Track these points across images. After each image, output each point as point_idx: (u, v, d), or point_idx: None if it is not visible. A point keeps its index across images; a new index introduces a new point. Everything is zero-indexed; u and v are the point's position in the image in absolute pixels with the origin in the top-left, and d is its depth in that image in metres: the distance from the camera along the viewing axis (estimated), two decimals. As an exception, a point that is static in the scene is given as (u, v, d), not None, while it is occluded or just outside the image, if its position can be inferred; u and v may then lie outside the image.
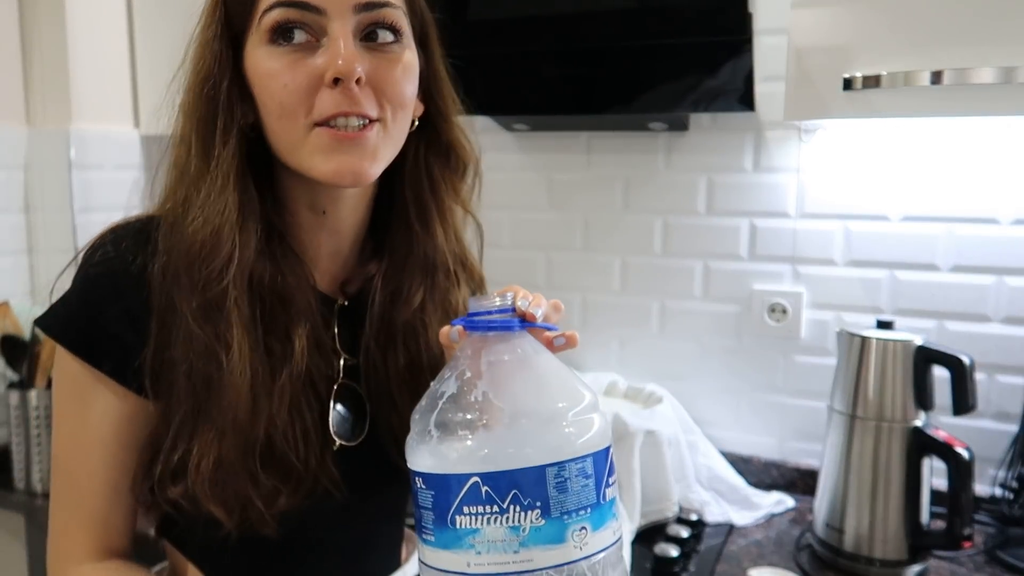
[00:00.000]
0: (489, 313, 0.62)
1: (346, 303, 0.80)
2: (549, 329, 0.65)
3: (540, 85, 1.41)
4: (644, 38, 1.23)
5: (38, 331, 1.45)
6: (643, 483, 1.33)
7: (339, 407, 0.77)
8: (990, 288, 1.34)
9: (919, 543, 1.18)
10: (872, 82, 1.06)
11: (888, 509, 1.18)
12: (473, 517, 0.55)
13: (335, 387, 0.77)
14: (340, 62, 0.65)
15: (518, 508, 0.55)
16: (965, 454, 1.12)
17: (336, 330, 0.79)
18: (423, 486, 0.58)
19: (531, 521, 0.55)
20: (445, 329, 0.66)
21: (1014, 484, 1.30)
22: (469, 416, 0.57)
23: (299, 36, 0.66)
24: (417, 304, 0.79)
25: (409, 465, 0.60)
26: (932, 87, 1.03)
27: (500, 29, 1.29)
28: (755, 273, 1.50)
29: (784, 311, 1.48)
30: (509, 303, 0.62)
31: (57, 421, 0.74)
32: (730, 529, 1.35)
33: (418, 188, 0.79)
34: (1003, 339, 1.34)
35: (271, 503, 0.69)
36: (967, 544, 1.13)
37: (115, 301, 0.69)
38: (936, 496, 1.21)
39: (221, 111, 0.69)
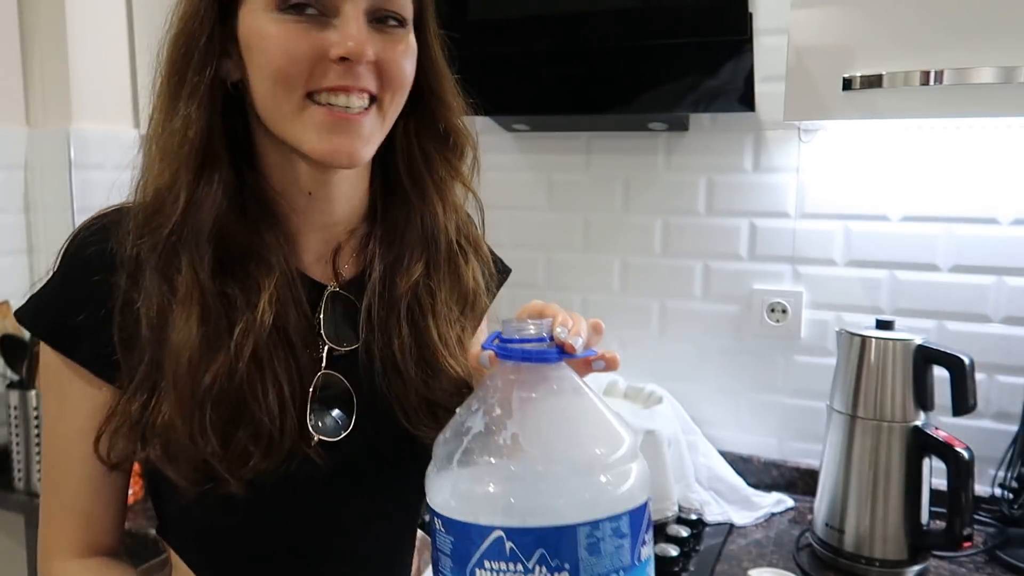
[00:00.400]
0: (524, 341, 0.56)
1: (338, 289, 0.77)
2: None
3: (540, 85, 1.41)
4: (644, 38, 1.23)
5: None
6: (643, 483, 1.33)
7: (328, 409, 0.74)
8: (990, 288, 1.34)
9: (919, 543, 1.18)
10: (872, 82, 1.06)
11: (888, 509, 1.18)
12: (494, 573, 0.51)
13: (318, 375, 0.74)
14: (351, 44, 0.65)
15: (544, 569, 0.50)
16: (965, 454, 1.12)
17: (322, 315, 0.75)
18: (442, 529, 0.54)
19: None
20: (475, 351, 0.62)
21: (1014, 484, 1.30)
22: (496, 460, 0.53)
23: (310, 11, 0.66)
24: (419, 274, 0.77)
25: (428, 500, 0.56)
26: (932, 87, 1.03)
27: (500, 29, 1.29)
28: (755, 273, 1.50)
29: (784, 311, 1.47)
30: (545, 331, 0.57)
31: (43, 412, 0.74)
32: (730, 529, 1.35)
33: (411, 160, 0.78)
34: (1003, 339, 1.34)
35: (241, 464, 0.67)
36: (967, 544, 1.13)
37: (88, 289, 0.69)
38: (936, 496, 1.21)
39: (193, 65, 0.68)
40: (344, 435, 0.74)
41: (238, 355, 0.67)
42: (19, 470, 1.47)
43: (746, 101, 1.33)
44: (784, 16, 1.15)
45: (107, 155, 1.61)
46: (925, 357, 1.18)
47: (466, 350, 0.77)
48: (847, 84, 1.08)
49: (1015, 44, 0.99)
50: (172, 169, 0.68)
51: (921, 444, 1.17)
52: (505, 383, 0.57)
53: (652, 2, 1.19)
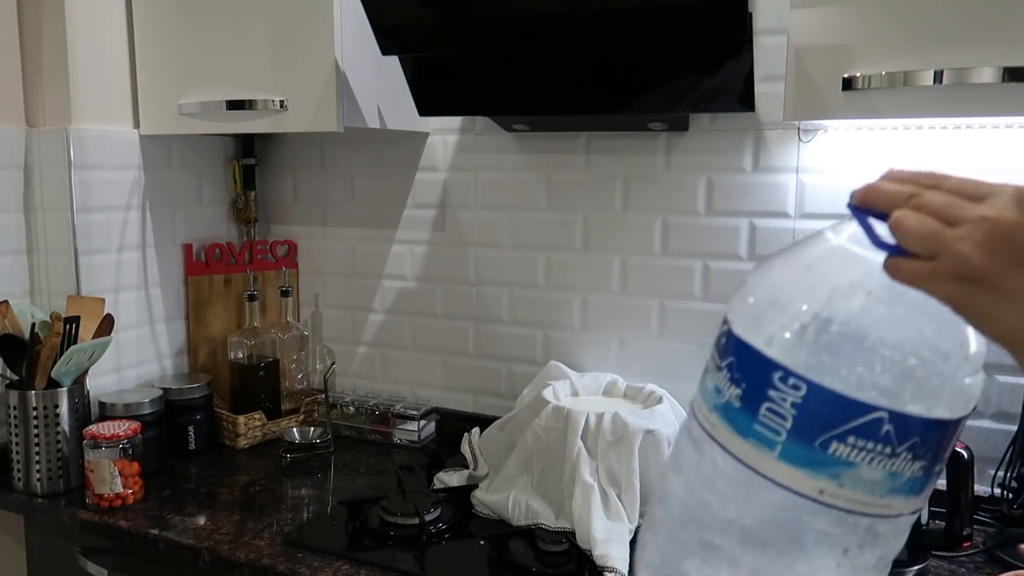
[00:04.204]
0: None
1: None
2: None
3: (540, 85, 1.41)
4: (644, 38, 1.23)
5: (37, 331, 1.45)
6: (643, 483, 1.33)
7: None
8: (990, 288, 1.34)
9: (919, 543, 1.18)
10: (872, 82, 1.06)
11: (888, 509, 1.18)
12: (857, 451, 0.49)
13: None
14: None
15: (910, 457, 0.49)
16: (965, 454, 1.12)
17: None
18: (786, 388, 0.51)
19: (912, 471, 0.50)
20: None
21: (1014, 484, 1.30)
22: (914, 361, 0.50)
23: None
24: None
25: (765, 349, 0.52)
26: (932, 87, 1.03)
27: (500, 29, 1.29)
28: (755, 273, 1.50)
29: (784, 311, 1.47)
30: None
31: None
32: (730, 529, 1.35)
33: None
34: (1003, 339, 1.34)
35: None
36: (967, 544, 1.13)
37: None
38: (936, 496, 1.21)
39: None
40: None
41: None
42: (19, 470, 1.47)
43: (746, 101, 1.33)
44: (784, 16, 1.14)
45: (107, 155, 1.61)
46: (925, 357, 1.17)
47: None
48: (847, 84, 1.07)
49: (1015, 44, 0.99)
50: None
51: (921, 444, 1.17)
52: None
53: (652, 2, 1.19)
